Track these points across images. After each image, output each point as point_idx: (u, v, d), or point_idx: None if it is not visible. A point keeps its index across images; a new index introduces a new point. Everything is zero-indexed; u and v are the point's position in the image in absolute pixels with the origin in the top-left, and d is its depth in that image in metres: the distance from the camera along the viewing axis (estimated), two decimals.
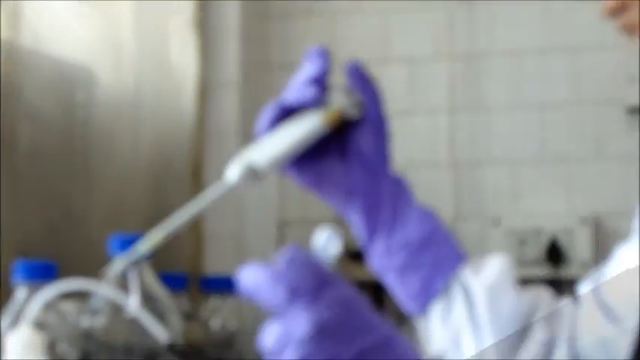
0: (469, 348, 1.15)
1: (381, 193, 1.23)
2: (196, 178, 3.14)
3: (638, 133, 2.84)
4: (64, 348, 1.76)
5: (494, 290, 1.21)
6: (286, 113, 1.16)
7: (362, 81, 1.21)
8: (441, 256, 1.24)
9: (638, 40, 1.06)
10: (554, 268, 2.92)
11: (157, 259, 1.83)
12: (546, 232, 2.96)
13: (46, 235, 2.50)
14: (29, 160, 2.50)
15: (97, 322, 1.80)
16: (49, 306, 1.66)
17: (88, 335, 1.81)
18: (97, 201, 2.71)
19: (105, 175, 2.74)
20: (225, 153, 2.94)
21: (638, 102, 2.81)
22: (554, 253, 2.92)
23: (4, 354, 1.52)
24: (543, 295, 1.26)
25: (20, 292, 1.74)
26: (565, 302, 1.27)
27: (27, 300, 1.70)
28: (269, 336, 0.85)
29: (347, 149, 1.22)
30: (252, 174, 1.12)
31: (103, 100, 2.71)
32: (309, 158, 1.20)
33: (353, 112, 1.19)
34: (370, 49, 3.09)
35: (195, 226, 3.01)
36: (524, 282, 2.09)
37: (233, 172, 1.12)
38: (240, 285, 0.85)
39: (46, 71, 2.54)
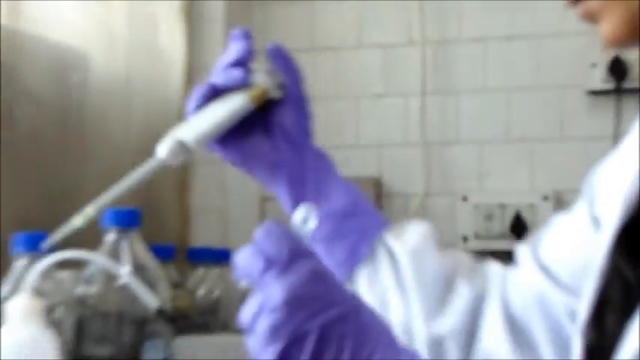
0: (396, 308, 1.16)
1: (304, 167, 1.27)
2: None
3: (598, 115, 2.88)
4: (60, 314, 1.77)
5: (417, 253, 1.25)
6: (215, 93, 1.21)
7: (284, 63, 1.26)
8: (365, 224, 1.27)
9: (598, 26, 1.00)
10: (518, 240, 2.80)
11: (147, 231, 1.90)
12: (511, 208, 2.98)
13: (43, 209, 2.48)
14: (27, 139, 2.50)
15: (91, 290, 1.78)
16: (47, 275, 1.64)
17: (82, 302, 1.79)
18: (90, 176, 2.68)
19: (98, 152, 2.74)
20: None
21: (598, 86, 2.83)
22: (518, 227, 2.93)
23: (4, 320, 1.46)
24: (462, 256, 1.33)
25: (19, 262, 1.75)
26: (489, 263, 1.34)
27: (26, 269, 1.69)
28: (247, 307, 0.89)
29: (271, 127, 1.26)
30: (182, 149, 1.16)
31: (97, 82, 2.72)
32: (235, 136, 1.24)
33: (276, 92, 1.24)
34: (347, 35, 3.11)
35: (182, 201, 3.05)
36: (492, 254, 1.96)
37: (163, 148, 1.16)
38: (235, 265, 0.91)
39: (43, 55, 2.54)
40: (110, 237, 1.75)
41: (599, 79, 2.81)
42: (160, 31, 2.97)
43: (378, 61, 3.06)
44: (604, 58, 2.78)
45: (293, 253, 0.88)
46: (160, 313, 1.68)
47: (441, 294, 1.26)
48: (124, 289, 1.69)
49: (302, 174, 1.26)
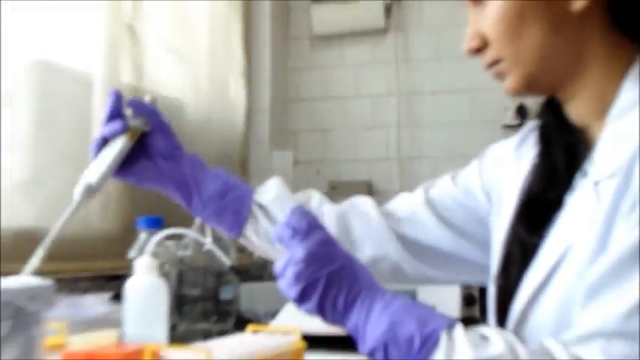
0: (281, 248, 1.10)
1: (183, 172, 1.36)
2: (243, 164, 3.35)
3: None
4: (167, 268, 1.93)
5: (278, 199, 1.37)
6: (104, 142, 1.32)
7: (141, 107, 1.35)
8: (238, 195, 1.38)
9: (504, 82, 1.14)
10: None
11: None
12: None
13: (156, 202, 2.34)
14: None
15: (187, 253, 2.01)
16: (159, 244, 1.66)
17: (181, 261, 2.00)
18: None
19: None
20: (260, 150, 3.43)
21: (509, 122, 3.20)
22: None
23: (134, 272, 1.48)
24: (313, 192, 1.47)
25: (142, 236, 1.93)
26: (355, 199, 1.48)
27: (146, 240, 1.81)
28: (278, 261, 1.04)
29: (150, 151, 1.36)
30: (90, 190, 1.29)
31: (189, 117, 2.97)
32: (127, 166, 1.35)
33: (145, 127, 1.37)
34: (346, 88, 3.50)
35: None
36: None
37: (76, 192, 1.29)
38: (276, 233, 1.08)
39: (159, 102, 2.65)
40: (198, 220, 1.81)
41: (510, 117, 3.19)
42: (228, 87, 3.25)
43: (368, 106, 3.45)
44: (513, 104, 3.15)
45: (310, 225, 1.03)
46: (231, 268, 1.96)
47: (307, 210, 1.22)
48: (208, 252, 1.90)
49: (183, 178, 1.37)
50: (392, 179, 3.38)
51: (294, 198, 1.39)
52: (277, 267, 1.02)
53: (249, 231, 1.38)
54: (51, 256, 1.89)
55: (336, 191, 3.36)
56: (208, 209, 1.36)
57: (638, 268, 0.90)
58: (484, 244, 1.32)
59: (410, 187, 2.88)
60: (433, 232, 1.36)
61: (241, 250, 2.24)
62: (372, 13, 3.38)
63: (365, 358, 1.02)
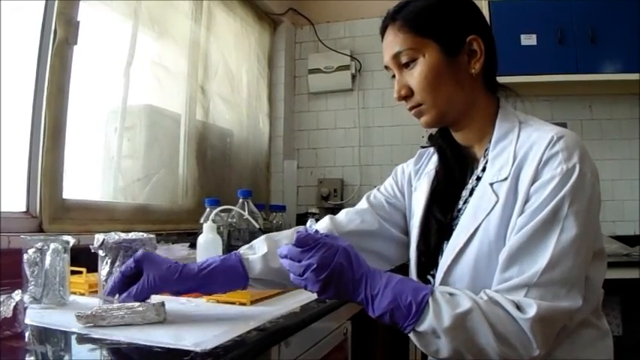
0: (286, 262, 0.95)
1: (173, 283, 1.02)
2: (267, 168, 3.32)
3: None
4: (222, 229, 1.88)
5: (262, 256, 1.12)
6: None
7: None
8: (226, 265, 1.07)
9: (421, 118, 1.06)
10: None
11: (255, 197, 2.11)
12: None
13: (216, 188, 2.64)
14: (211, 160, 2.68)
15: (234, 220, 1.94)
16: (217, 214, 1.73)
17: (230, 225, 1.94)
18: (233, 177, 2.88)
19: (235, 167, 2.92)
20: (277, 160, 3.32)
21: (424, 144, 2.68)
22: None
23: (203, 232, 1.46)
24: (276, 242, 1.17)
25: (207, 209, 1.87)
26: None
27: (210, 212, 1.83)
28: (296, 268, 0.90)
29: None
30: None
31: (235, 141, 2.96)
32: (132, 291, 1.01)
33: None
34: (328, 123, 3.41)
35: (267, 186, 3.30)
36: None
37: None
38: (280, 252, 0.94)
39: (216, 130, 2.77)
40: (240, 200, 1.92)
41: (424, 141, 2.56)
42: (259, 121, 3.26)
43: (342, 134, 3.40)
44: (427, 133, 2.55)
45: (314, 241, 0.91)
46: (259, 229, 1.87)
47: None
48: (246, 219, 1.89)
49: (179, 285, 1.03)
50: (355, 178, 3.36)
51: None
52: (297, 273, 0.90)
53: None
54: (155, 221, 2.14)
55: (322, 184, 3.38)
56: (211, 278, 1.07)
57: (540, 244, 0.88)
58: (400, 226, 1.21)
59: (365, 182, 3.27)
60: (369, 221, 1.22)
61: (265, 219, 2.47)
62: (344, 80, 3.36)
63: None
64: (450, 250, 1.00)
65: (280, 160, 3.36)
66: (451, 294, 0.89)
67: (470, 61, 1.02)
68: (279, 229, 2.53)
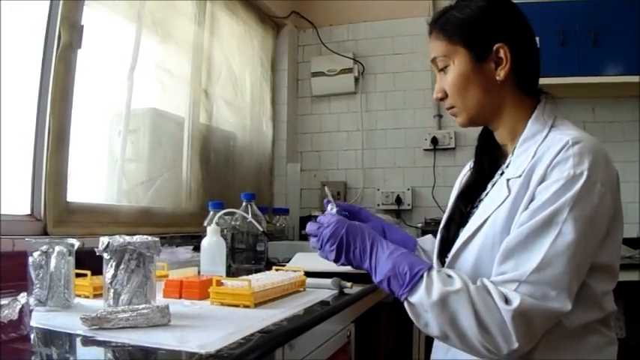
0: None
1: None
2: (270, 171, 3.32)
3: (427, 159, 3.18)
4: (225, 232, 1.89)
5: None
6: None
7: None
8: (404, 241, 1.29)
9: (457, 119, 1.12)
10: (399, 207, 3.16)
11: (258, 200, 2.06)
12: (395, 193, 3.20)
13: (220, 191, 2.63)
14: (215, 164, 2.68)
15: (237, 223, 1.93)
16: (220, 217, 1.62)
17: (234, 227, 1.93)
18: (236, 180, 2.87)
19: (238, 170, 2.92)
20: (280, 163, 3.33)
21: (427, 147, 3.16)
22: (399, 201, 3.18)
23: (207, 235, 1.46)
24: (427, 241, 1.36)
25: (211, 212, 1.87)
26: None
27: (213, 215, 1.76)
28: (315, 241, 1.09)
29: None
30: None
31: (239, 144, 2.96)
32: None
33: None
34: (332, 126, 3.42)
35: (270, 189, 3.30)
36: (390, 211, 2.53)
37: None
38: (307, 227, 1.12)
39: (220, 134, 2.76)
40: (244, 203, 1.90)
41: (427, 144, 3.18)
42: (263, 124, 3.25)
43: (344, 137, 3.40)
44: (430, 136, 3.16)
45: (330, 220, 1.08)
46: (263, 232, 1.88)
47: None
48: (249, 222, 1.86)
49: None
50: (358, 180, 3.36)
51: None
52: (318, 247, 1.07)
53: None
54: (159, 224, 2.14)
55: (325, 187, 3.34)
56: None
57: (536, 244, 0.90)
58: None
59: (368, 185, 3.24)
60: None
61: (269, 222, 2.48)
62: (347, 83, 3.37)
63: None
64: (460, 238, 1.05)
65: (283, 163, 3.35)
66: (449, 275, 0.94)
67: (496, 68, 1.06)
68: (282, 231, 2.64)
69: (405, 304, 0.96)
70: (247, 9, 3.05)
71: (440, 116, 3.22)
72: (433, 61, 1.11)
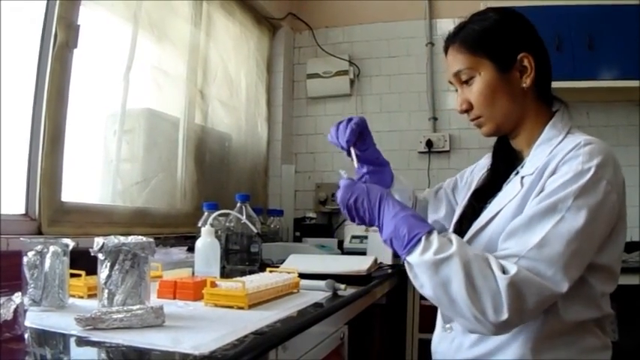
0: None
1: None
2: (265, 172, 3.32)
3: (421, 161, 3.19)
4: (220, 233, 1.88)
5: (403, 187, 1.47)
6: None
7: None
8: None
9: (482, 128, 1.14)
10: None
11: (253, 202, 2.05)
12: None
13: (214, 193, 2.64)
14: (210, 165, 2.67)
15: (231, 224, 1.93)
16: (214, 218, 1.62)
17: (228, 229, 1.93)
18: (231, 180, 2.88)
19: (233, 170, 2.92)
20: (275, 164, 3.31)
21: (422, 149, 3.18)
22: None
23: (201, 235, 1.46)
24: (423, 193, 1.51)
25: (205, 213, 1.89)
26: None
27: (208, 216, 1.82)
28: (337, 195, 1.11)
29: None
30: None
31: (234, 144, 2.95)
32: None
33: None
34: (327, 128, 2.76)
35: (265, 191, 3.30)
36: None
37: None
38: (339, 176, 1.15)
39: (215, 135, 2.76)
40: (238, 204, 1.90)
41: (422, 147, 3.20)
42: (258, 126, 3.25)
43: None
44: (424, 139, 3.17)
45: (344, 183, 1.11)
46: (257, 233, 1.89)
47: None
48: (244, 224, 1.86)
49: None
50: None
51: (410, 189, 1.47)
52: (338, 206, 1.11)
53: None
54: (153, 224, 2.14)
55: (320, 189, 3.38)
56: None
57: (538, 225, 0.94)
58: (452, 207, 1.40)
59: None
60: (436, 199, 1.45)
61: (263, 223, 2.47)
62: (342, 85, 3.37)
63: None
64: (472, 229, 1.09)
65: (278, 164, 3.35)
66: (450, 240, 0.97)
67: (521, 77, 1.10)
68: (276, 233, 2.65)
69: (405, 264, 1.00)
70: (243, 10, 3.06)
71: (435, 119, 3.23)
72: (456, 74, 1.14)
